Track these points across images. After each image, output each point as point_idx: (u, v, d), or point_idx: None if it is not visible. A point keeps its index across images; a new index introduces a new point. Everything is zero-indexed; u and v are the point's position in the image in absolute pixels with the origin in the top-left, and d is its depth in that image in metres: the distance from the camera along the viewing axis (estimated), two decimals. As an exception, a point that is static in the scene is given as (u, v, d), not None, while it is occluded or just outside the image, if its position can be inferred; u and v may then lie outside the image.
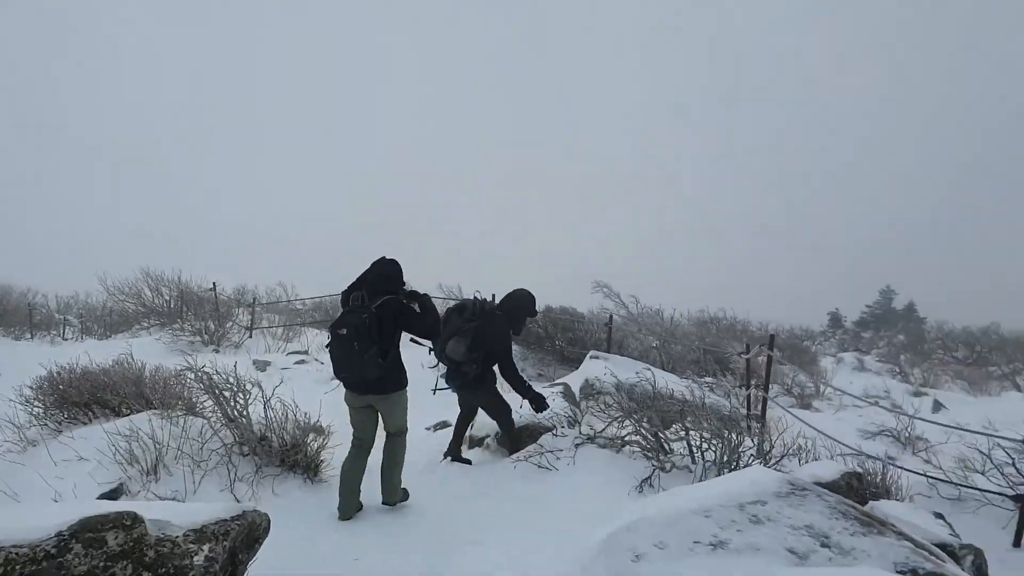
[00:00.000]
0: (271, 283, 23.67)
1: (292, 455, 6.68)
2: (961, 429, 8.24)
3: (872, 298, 52.17)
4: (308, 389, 11.86)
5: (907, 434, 12.23)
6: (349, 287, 6.06)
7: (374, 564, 5.11)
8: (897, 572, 3.99)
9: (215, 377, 7.05)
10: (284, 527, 5.01)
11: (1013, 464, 6.88)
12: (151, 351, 15.08)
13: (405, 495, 6.49)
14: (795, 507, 4.66)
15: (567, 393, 9.80)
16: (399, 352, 5.99)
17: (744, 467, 6.63)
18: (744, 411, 10.97)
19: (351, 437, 6.38)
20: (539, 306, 8.30)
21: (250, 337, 16.79)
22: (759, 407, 11.73)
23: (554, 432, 7.39)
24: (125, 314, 18.82)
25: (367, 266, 6.07)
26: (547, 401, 7.56)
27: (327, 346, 6.02)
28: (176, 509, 3.84)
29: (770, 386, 12.32)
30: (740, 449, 6.63)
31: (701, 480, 6.50)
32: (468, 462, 7.75)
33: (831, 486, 5.80)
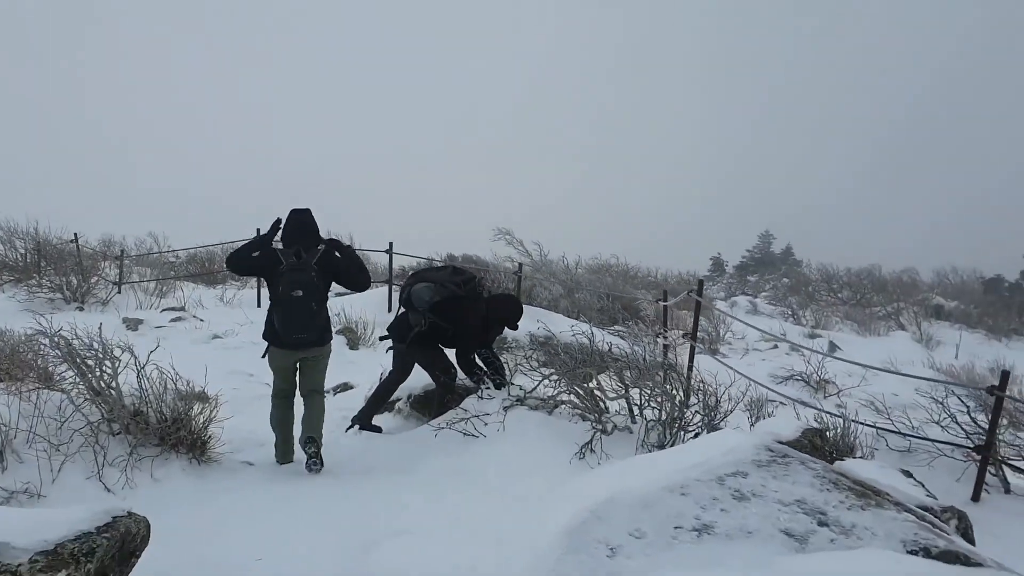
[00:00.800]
0: (140, 234, 21.82)
1: (174, 431, 5.66)
2: (878, 369, 7.99)
3: (751, 242, 53.53)
4: (188, 350, 10.68)
5: (817, 377, 12.10)
6: (263, 238, 6.13)
7: (278, 567, 4.17)
8: (908, 552, 3.44)
9: (75, 342, 5.91)
10: (168, 522, 4.01)
11: (968, 413, 6.55)
12: (2, 311, 13.48)
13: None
14: (780, 478, 4.05)
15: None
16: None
17: (688, 426, 6.05)
18: (662, 361, 10.51)
19: (272, 392, 6.36)
20: (442, 257, 7.63)
21: (119, 293, 15.24)
22: (679, 357, 11.32)
23: (480, 394, 6.61)
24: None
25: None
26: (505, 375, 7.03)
27: (272, 307, 5.97)
28: (18, 520, 2.90)
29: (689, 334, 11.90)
30: (686, 406, 6.03)
31: (645, 443, 5.88)
32: (378, 430, 6.93)
33: (794, 445, 5.24)
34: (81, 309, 13.80)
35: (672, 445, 5.85)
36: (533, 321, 10.33)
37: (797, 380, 12.16)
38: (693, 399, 6.26)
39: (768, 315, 21.11)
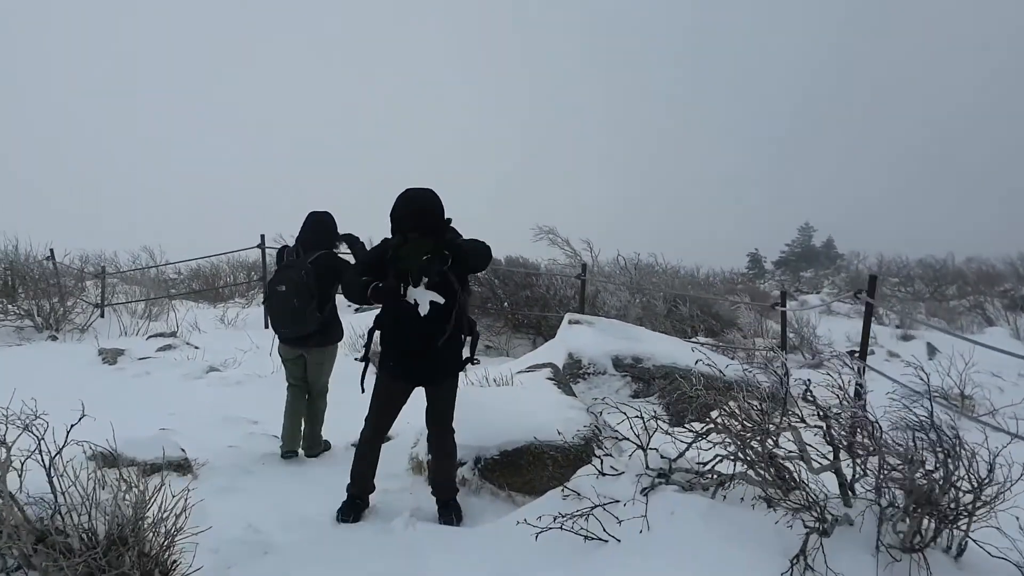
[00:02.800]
0: (134, 248, 19.55)
1: (115, 559, 3.37)
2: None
3: (788, 236, 50.77)
4: (174, 389, 8.45)
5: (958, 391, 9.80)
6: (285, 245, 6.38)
7: None
8: None
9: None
10: None
11: None
12: (-41, 344, 11.27)
13: (327, 445, 6.46)
14: None
15: (558, 377, 6.69)
16: (335, 305, 6.05)
17: (953, 514, 3.69)
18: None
19: (286, 383, 6.28)
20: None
21: (101, 317, 13.00)
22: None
23: (600, 467, 4.23)
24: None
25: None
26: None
27: (263, 303, 6.72)
28: None
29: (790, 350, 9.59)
30: (954, 479, 3.67)
31: (882, 545, 3.55)
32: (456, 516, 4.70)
33: None
34: (55, 338, 11.56)
35: (930, 546, 3.55)
36: (610, 336, 8.01)
37: (939, 401, 9.74)
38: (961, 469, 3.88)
39: (845, 315, 18.65)
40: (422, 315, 4.39)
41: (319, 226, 6.08)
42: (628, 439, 4.21)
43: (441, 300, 4.39)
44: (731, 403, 4.26)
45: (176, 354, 10.16)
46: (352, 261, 5.85)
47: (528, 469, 4.81)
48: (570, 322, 8.30)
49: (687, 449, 4.24)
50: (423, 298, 4.42)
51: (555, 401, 5.46)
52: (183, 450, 5.63)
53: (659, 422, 4.29)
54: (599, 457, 4.21)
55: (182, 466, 5.47)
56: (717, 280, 25.78)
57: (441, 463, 4.72)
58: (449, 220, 4.49)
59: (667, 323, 11.32)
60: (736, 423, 4.19)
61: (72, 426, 3.70)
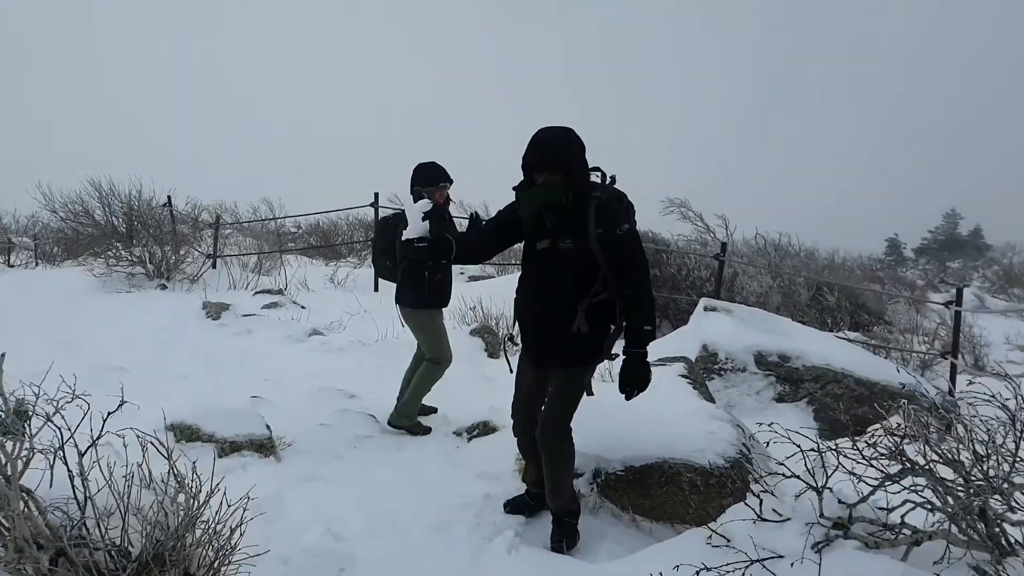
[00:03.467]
0: (254, 200, 19.45)
1: (151, 579, 2.73)
2: None
3: (931, 222, 47.29)
4: (273, 352, 7.94)
5: None
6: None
7: None
8: None
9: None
10: None
11: None
12: (74, 288, 11.19)
13: (424, 429, 5.77)
14: None
15: (694, 375, 5.78)
16: (424, 265, 5.38)
17: None
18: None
19: None
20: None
21: (213, 267, 12.77)
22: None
23: (759, 508, 3.30)
24: (79, 237, 14.72)
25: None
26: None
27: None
28: None
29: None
30: None
31: None
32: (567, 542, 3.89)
33: None
34: (164, 287, 11.35)
35: None
36: (753, 327, 7.02)
37: None
38: None
39: (1002, 313, 16.83)
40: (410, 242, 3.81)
41: (412, 176, 5.54)
42: (798, 477, 3.28)
43: (421, 234, 3.77)
44: (931, 436, 3.28)
45: (281, 313, 9.71)
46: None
47: (659, 491, 3.96)
48: (705, 308, 7.34)
49: (872, 492, 3.29)
50: (414, 219, 3.79)
51: (693, 408, 4.57)
52: (268, 427, 5.04)
53: (840, 455, 3.34)
54: (756, 495, 3.30)
55: (264, 446, 4.88)
56: (854, 265, 24.01)
57: (546, 467, 3.82)
58: (597, 169, 3.65)
59: (810, 313, 10.18)
60: (941, 463, 3.21)
61: (110, 413, 2.96)
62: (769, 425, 3.36)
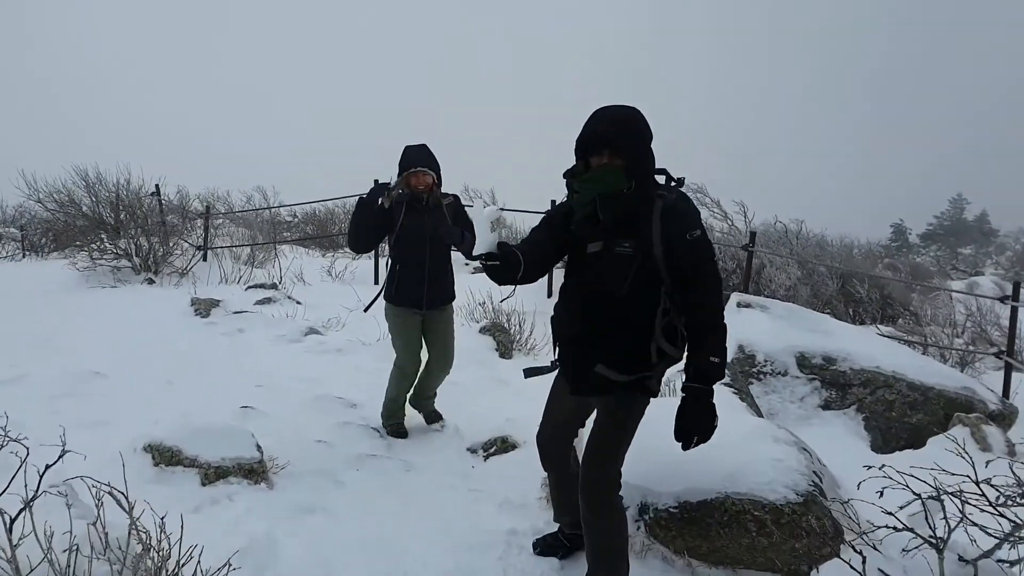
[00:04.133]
0: (247, 188, 18.74)
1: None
2: None
3: (938, 207, 46.52)
4: (267, 354, 7.32)
5: None
6: None
7: None
8: None
9: None
10: None
11: None
12: (57, 282, 10.54)
13: (395, 431, 5.23)
14: None
15: (738, 383, 5.17)
16: (393, 258, 5.04)
17: None
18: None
19: None
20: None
21: (204, 260, 12.10)
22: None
23: (862, 569, 2.66)
24: (67, 228, 14.01)
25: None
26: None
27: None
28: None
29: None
30: None
31: None
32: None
33: None
34: (151, 282, 10.69)
35: None
36: (793, 326, 6.43)
37: None
38: None
39: (992, 295, 16.10)
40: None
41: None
42: (913, 531, 2.66)
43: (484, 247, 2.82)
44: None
45: (275, 309, 9.07)
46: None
47: (720, 532, 3.35)
48: (738, 305, 6.71)
49: (998, 547, 2.68)
50: (482, 230, 2.82)
51: (751, 428, 3.95)
52: (259, 448, 4.41)
53: (964, 503, 2.73)
54: (857, 551, 2.67)
55: (254, 471, 4.25)
56: (861, 253, 23.38)
57: (587, 535, 3.06)
58: (663, 172, 2.97)
59: (839, 307, 9.57)
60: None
61: (48, 467, 2.34)
62: (880, 468, 2.71)
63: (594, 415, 3.12)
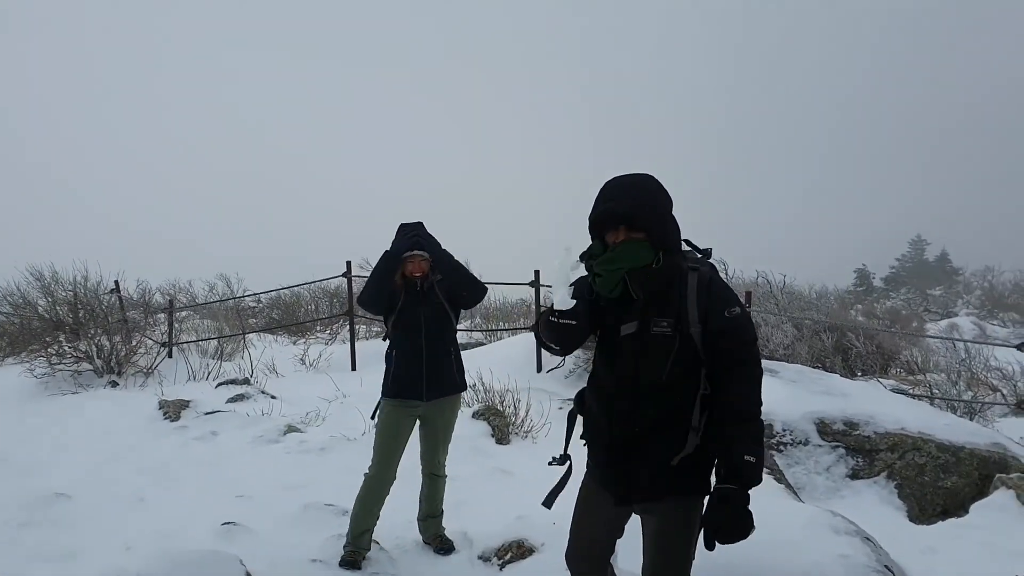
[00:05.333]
0: (209, 277, 18.22)
1: None
2: None
3: (900, 250, 47.05)
4: (243, 455, 6.80)
5: None
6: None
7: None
8: None
9: None
10: None
11: None
12: (11, 391, 9.92)
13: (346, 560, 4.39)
14: None
15: (768, 462, 4.78)
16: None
17: None
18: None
19: None
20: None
21: (169, 356, 11.53)
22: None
23: None
24: (23, 330, 13.33)
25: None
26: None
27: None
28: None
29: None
30: None
31: None
32: None
33: None
34: (115, 384, 10.12)
35: None
36: (806, 390, 6.09)
37: None
38: None
39: (1004, 341, 16.13)
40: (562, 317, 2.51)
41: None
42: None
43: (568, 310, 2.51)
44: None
45: (249, 406, 8.54)
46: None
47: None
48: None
49: None
50: (560, 283, 2.50)
51: (806, 518, 3.54)
52: (247, 576, 3.91)
53: None
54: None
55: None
56: (831, 300, 23.38)
57: None
58: (686, 241, 2.66)
59: (837, 361, 9.28)
60: None
61: None
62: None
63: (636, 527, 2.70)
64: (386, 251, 4.45)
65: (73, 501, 5.70)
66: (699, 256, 2.67)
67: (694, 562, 2.75)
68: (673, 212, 2.64)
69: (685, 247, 2.67)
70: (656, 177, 2.65)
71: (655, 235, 2.53)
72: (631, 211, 2.52)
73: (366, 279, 4.51)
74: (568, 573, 2.87)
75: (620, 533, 2.85)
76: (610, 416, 2.63)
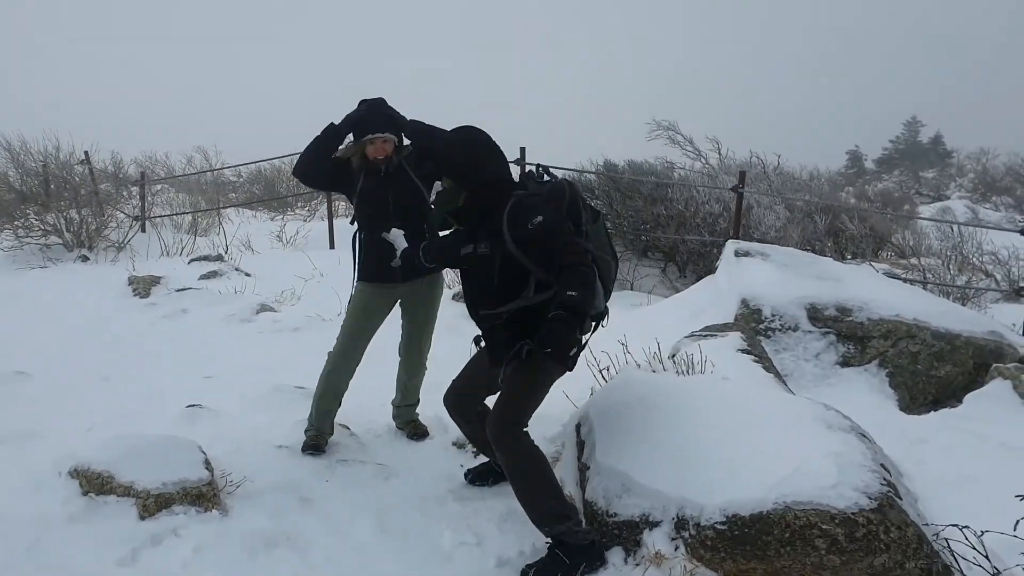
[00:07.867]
0: (187, 149, 17.60)
1: None
2: None
3: (895, 131, 46.20)
4: (214, 333, 6.59)
5: None
6: None
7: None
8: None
9: None
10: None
11: None
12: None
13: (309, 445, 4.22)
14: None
15: (757, 350, 4.56)
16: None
17: None
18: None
19: None
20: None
21: (142, 231, 11.17)
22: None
23: None
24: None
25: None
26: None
27: None
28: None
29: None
30: None
31: None
32: None
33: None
34: (86, 259, 9.80)
35: None
36: (798, 274, 5.86)
37: None
38: None
39: (998, 225, 15.86)
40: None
41: None
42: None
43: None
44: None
45: (222, 284, 8.27)
46: None
47: (781, 552, 2.72)
48: (737, 253, 6.08)
49: None
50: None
51: (797, 412, 3.32)
52: (208, 465, 3.69)
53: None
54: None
55: (203, 496, 3.53)
56: (823, 182, 23.03)
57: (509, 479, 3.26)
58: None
59: (830, 245, 9.03)
60: None
61: None
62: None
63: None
64: (331, 123, 4.04)
65: (34, 379, 5.52)
66: (543, 183, 3.31)
67: (669, 458, 2.65)
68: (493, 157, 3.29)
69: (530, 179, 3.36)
70: (476, 129, 3.35)
71: (461, 182, 3.25)
72: (439, 168, 3.34)
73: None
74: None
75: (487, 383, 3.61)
76: (471, 311, 3.44)
